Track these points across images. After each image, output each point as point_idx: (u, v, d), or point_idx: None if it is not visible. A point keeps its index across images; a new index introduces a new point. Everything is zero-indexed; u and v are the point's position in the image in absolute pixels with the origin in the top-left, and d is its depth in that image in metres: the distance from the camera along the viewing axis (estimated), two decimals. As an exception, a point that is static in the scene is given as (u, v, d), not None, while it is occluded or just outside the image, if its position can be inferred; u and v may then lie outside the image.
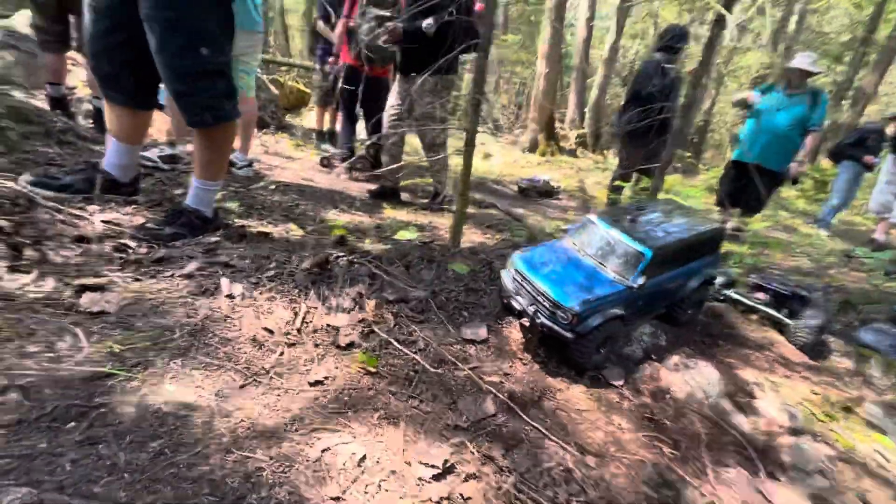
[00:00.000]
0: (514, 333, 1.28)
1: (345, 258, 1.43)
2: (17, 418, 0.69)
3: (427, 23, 3.00)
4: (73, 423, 0.71)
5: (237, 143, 3.40)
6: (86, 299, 1.03)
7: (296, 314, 1.15)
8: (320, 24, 5.12)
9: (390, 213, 3.36)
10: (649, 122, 3.26)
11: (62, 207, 1.56)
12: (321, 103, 5.57)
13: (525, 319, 1.16)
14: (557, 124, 9.64)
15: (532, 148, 8.93)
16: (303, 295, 1.23)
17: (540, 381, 1.15)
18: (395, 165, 3.29)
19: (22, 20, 4.28)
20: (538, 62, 9.03)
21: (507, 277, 1.24)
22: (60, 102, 3.26)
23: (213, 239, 1.67)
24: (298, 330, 1.10)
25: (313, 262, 1.30)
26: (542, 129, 8.91)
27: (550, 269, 1.18)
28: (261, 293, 1.22)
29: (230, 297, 1.17)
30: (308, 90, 7.54)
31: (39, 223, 1.41)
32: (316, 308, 1.19)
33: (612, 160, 8.62)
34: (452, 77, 3.32)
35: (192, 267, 1.29)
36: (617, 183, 4.32)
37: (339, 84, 4.41)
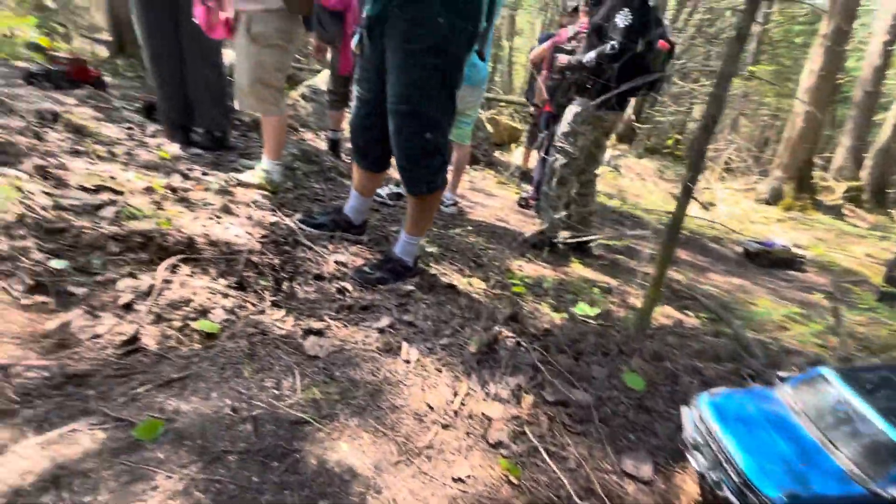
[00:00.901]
0: (688, 485, 1.08)
1: (513, 339, 1.45)
2: (245, 447, 0.93)
3: (589, 57, 2.84)
4: (276, 463, 0.92)
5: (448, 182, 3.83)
6: (308, 342, 1.31)
7: (455, 394, 1.23)
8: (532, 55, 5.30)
9: (577, 266, 3.25)
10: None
11: (313, 246, 2.03)
12: (528, 143, 5.78)
13: (705, 484, 0.96)
14: (817, 172, 7.72)
15: (774, 199, 7.37)
16: (466, 373, 1.31)
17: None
18: (555, 215, 3.16)
19: (321, 79, 5.75)
20: (799, 94, 7.43)
21: (688, 420, 1.06)
22: (335, 144, 4.23)
23: (409, 288, 1.91)
24: (455, 412, 1.17)
25: (480, 345, 1.37)
26: (791, 177, 7.29)
27: (749, 428, 0.95)
28: (432, 362, 1.34)
29: (407, 361, 1.32)
30: (521, 126, 7.93)
31: (297, 259, 1.87)
32: (475, 391, 1.24)
33: (902, 227, 6.41)
34: (618, 114, 3.07)
35: (384, 322, 1.51)
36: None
37: (543, 133, 4.53)
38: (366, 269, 1.95)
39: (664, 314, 2.59)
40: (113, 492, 0.77)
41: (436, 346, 1.42)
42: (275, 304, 1.50)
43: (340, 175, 3.72)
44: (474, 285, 2.22)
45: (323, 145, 4.77)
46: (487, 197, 5.02)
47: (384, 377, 1.25)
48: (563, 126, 3.20)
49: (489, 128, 7.10)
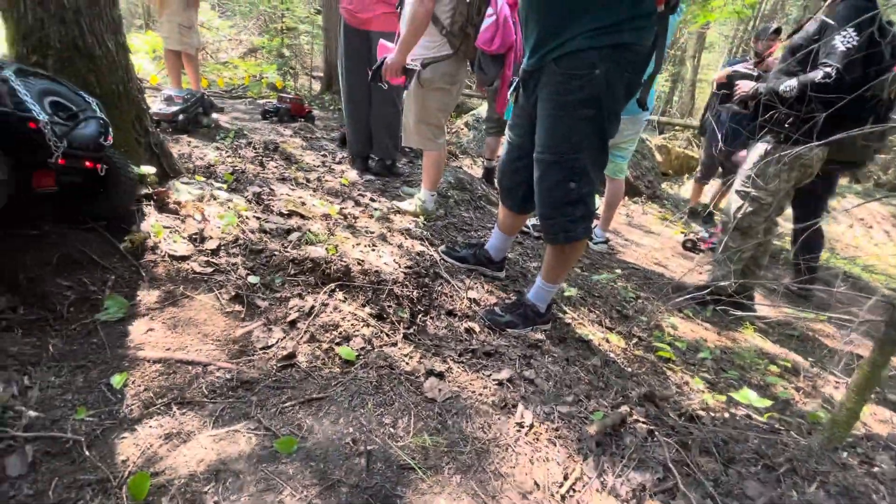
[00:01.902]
0: None
1: (645, 426, 1.29)
2: (356, 482, 1.02)
3: (787, 86, 2.26)
4: (379, 504, 0.98)
5: (598, 218, 3.61)
6: (428, 384, 1.38)
7: (566, 476, 1.14)
8: (717, 76, 4.64)
9: (750, 333, 2.72)
10: None
11: (451, 280, 2.14)
12: (701, 178, 5.10)
13: None
14: None
15: None
16: (582, 454, 1.20)
17: None
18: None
19: (484, 109, 6.03)
20: None
21: None
22: (489, 173, 4.39)
23: (537, 337, 1.86)
24: (562, 497, 1.09)
25: (603, 426, 1.24)
26: None
27: None
28: (547, 431, 1.28)
29: (520, 424, 1.28)
30: (696, 154, 7.05)
31: (433, 293, 1.99)
32: (589, 479, 1.14)
33: None
34: (824, 149, 2.39)
35: (504, 374, 1.50)
36: None
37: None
38: (497, 310, 1.97)
39: (875, 416, 1.98)
40: (251, 496, 0.93)
41: (554, 412, 1.35)
42: (406, 338, 1.62)
43: (489, 203, 3.84)
44: (612, 342, 2.04)
45: (478, 172, 4.99)
46: (645, 235, 4.58)
47: (494, 436, 1.24)
48: (748, 166, 2.73)
49: (657, 156, 6.48)
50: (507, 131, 1.99)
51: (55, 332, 1.27)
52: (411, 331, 1.68)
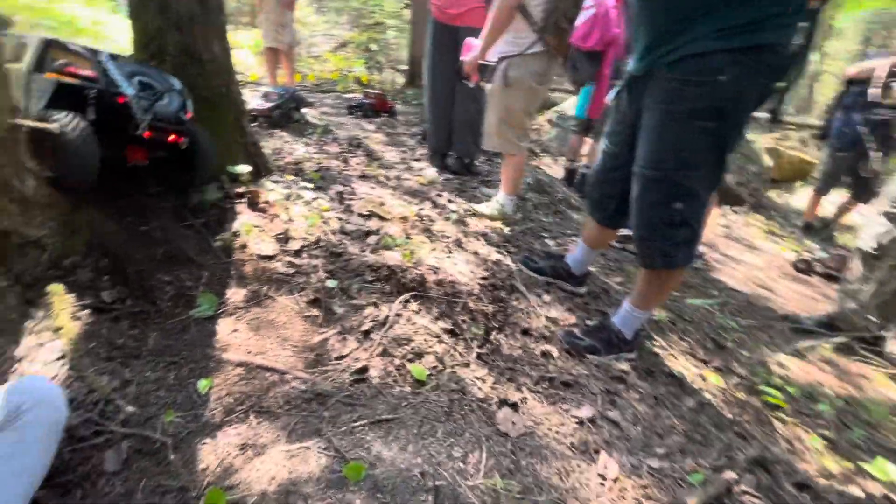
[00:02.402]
0: None
1: (755, 500, 1.10)
2: (422, 521, 0.96)
3: None
4: (445, 551, 0.92)
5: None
6: (501, 415, 1.29)
7: (656, 549, 1.00)
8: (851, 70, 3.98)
9: (880, 380, 2.31)
10: None
11: (528, 294, 2.02)
12: (821, 188, 4.43)
13: None
14: None
15: None
16: (675, 522, 1.05)
17: None
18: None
19: (570, 105, 5.74)
20: None
21: None
22: (571, 174, 4.16)
23: (622, 367, 1.69)
24: (650, 573, 0.96)
25: (704, 499, 1.07)
26: None
27: None
28: (633, 488, 1.14)
29: (602, 477, 1.16)
30: (813, 160, 6.17)
31: (509, 308, 1.89)
32: (682, 555, 0.99)
33: None
34: None
35: (585, 412, 1.37)
36: None
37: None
38: (577, 332, 1.82)
39: None
40: (317, 524, 0.92)
41: (643, 465, 1.20)
42: (479, 358, 1.55)
43: (570, 208, 3.63)
44: (708, 381, 1.81)
45: (559, 172, 4.75)
46: (747, 250, 4.08)
47: (572, 487, 1.12)
48: (898, 185, 2.29)
49: (766, 160, 5.75)
50: (603, 139, 1.82)
51: (155, 324, 1.36)
52: (485, 350, 1.60)
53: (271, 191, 2.07)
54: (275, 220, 1.90)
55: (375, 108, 4.84)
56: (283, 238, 1.84)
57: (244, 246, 1.73)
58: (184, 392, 1.15)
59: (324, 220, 2.02)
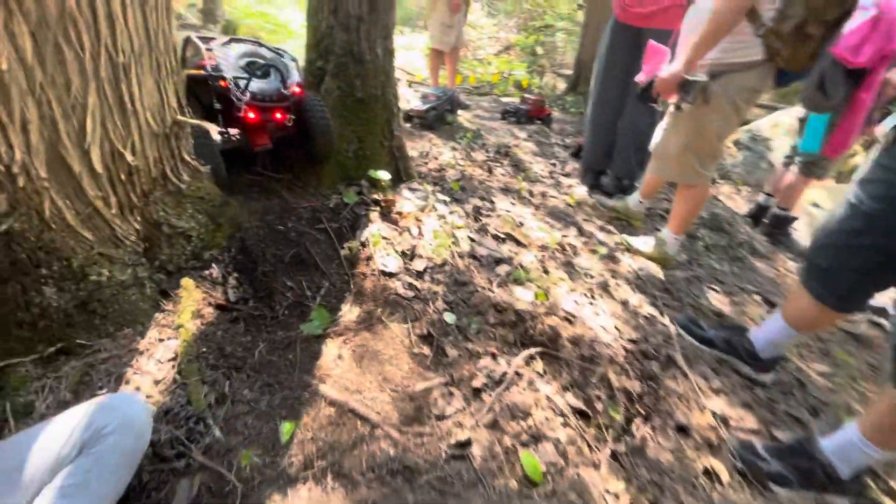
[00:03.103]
0: None
1: None
2: None
3: None
4: None
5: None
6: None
7: None
8: None
9: None
10: None
11: (689, 372, 1.55)
12: None
13: None
14: None
15: None
16: None
17: None
18: None
19: (767, 124, 4.66)
20: None
21: None
22: (760, 211, 3.36)
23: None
24: None
25: None
26: None
27: None
28: None
29: None
30: None
31: (661, 388, 1.46)
32: None
33: None
34: None
35: None
36: None
37: None
38: (758, 448, 1.32)
39: None
40: None
41: None
42: (615, 457, 1.18)
43: (754, 254, 2.88)
44: None
45: (742, 206, 3.88)
46: None
47: None
48: None
49: None
50: (855, 187, 1.26)
51: (267, 333, 1.32)
52: (623, 447, 1.22)
53: (407, 199, 1.96)
54: (404, 233, 1.78)
55: (530, 114, 4.57)
56: (410, 255, 1.70)
57: (369, 258, 1.64)
58: (270, 425, 1.05)
59: (454, 240, 1.84)
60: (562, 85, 7.48)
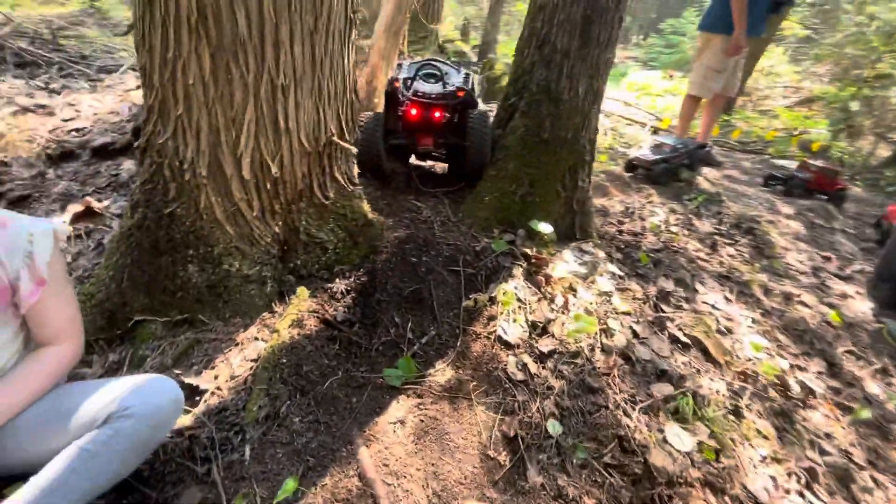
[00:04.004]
0: None
1: None
2: None
3: None
4: None
5: None
6: None
7: None
8: None
9: None
10: None
11: None
12: None
13: None
14: None
15: None
16: None
17: None
18: None
19: None
20: None
21: None
22: None
23: None
24: None
25: None
26: None
27: None
28: None
29: None
30: None
31: None
32: None
33: None
34: None
35: None
36: None
37: None
38: None
39: None
40: None
41: None
42: None
43: None
44: None
45: None
46: None
47: None
48: None
49: None
50: None
51: (351, 364, 1.25)
52: None
53: (566, 262, 1.64)
54: (544, 301, 1.48)
55: (810, 184, 3.42)
56: (540, 329, 1.40)
57: (491, 318, 1.42)
58: (290, 472, 0.96)
59: (606, 327, 1.43)
60: (884, 153, 5.45)
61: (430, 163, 2.29)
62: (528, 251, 1.63)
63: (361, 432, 1.07)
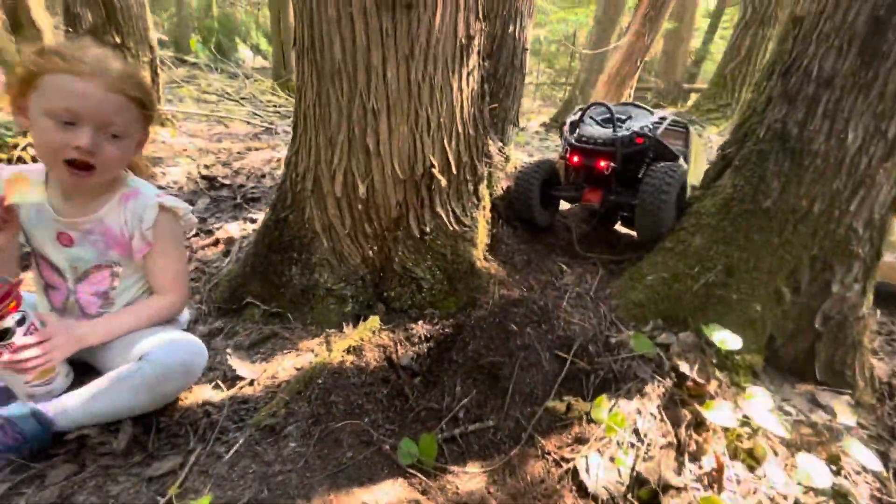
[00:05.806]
0: None
1: None
2: None
3: None
4: None
5: None
6: None
7: None
8: None
9: None
10: None
11: None
12: None
13: None
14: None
15: None
16: None
17: None
18: None
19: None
20: None
21: None
22: None
23: None
24: None
25: None
26: None
27: None
28: None
29: None
30: None
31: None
32: None
33: None
34: None
35: None
36: None
37: None
38: None
39: None
40: None
41: None
42: None
43: None
44: None
45: None
46: None
47: None
48: None
49: None
50: None
51: (381, 415, 1.06)
52: None
53: (748, 407, 0.98)
54: (673, 450, 0.92)
55: None
56: (647, 492, 0.86)
57: (579, 441, 0.97)
58: (239, 492, 0.86)
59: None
60: None
61: (619, 226, 1.87)
62: (684, 366, 1.07)
63: (325, 496, 0.89)
